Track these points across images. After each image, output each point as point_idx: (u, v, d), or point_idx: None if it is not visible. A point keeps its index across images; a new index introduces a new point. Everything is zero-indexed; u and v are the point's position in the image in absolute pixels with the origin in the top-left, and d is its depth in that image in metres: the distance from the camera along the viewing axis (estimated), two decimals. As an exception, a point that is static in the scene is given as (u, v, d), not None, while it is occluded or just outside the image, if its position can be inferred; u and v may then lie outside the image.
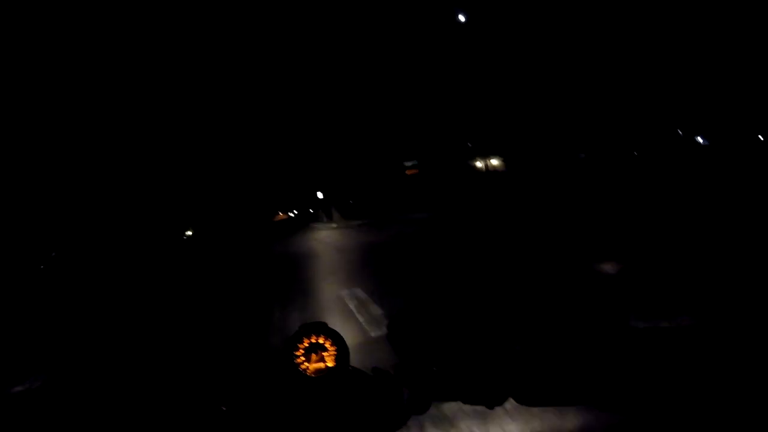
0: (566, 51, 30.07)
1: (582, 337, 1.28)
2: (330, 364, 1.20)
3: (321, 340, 1.22)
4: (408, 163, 34.17)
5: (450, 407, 1.38)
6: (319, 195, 45.40)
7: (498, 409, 1.15)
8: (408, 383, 1.14)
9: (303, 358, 1.20)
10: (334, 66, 36.06)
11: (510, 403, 1.12)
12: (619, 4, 28.64)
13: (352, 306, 5.87)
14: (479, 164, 32.34)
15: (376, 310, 5.44)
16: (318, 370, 1.20)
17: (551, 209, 14.31)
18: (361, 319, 5.04)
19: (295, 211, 64.81)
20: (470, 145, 33.05)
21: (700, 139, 31.95)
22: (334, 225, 29.06)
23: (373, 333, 4.49)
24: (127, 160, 37.50)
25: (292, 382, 1.18)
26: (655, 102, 30.85)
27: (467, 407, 1.13)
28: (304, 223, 41.01)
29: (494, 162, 32.20)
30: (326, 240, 18.98)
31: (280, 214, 65.18)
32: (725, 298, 3.92)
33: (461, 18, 28.67)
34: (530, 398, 1.09)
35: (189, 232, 46.70)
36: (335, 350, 1.21)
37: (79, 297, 12.78)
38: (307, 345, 1.21)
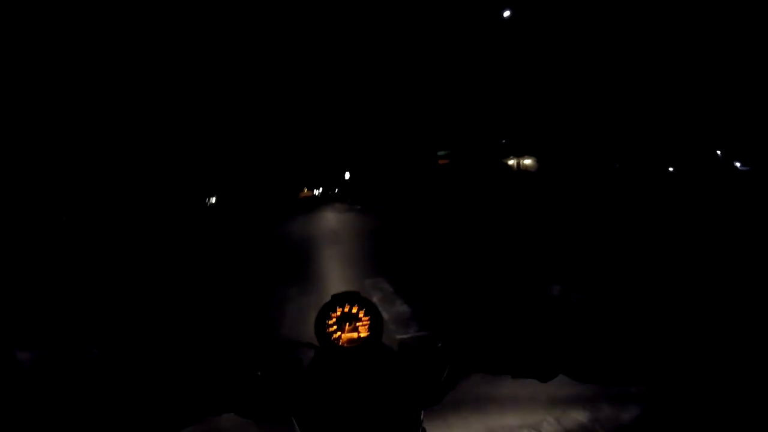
0: (620, 60, 29.55)
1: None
2: (363, 334, 1.18)
3: (354, 310, 1.20)
4: (441, 153, 33.40)
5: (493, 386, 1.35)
6: (347, 175, 44.94)
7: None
8: (447, 358, 1.10)
9: (336, 327, 1.18)
10: (382, 51, 35.54)
11: (516, 389, 1.18)
12: (678, 20, 28.05)
13: (375, 299, 5.29)
14: (511, 162, 31.65)
15: (404, 308, 4.87)
16: (351, 340, 1.18)
17: (579, 214, 14.23)
18: (386, 315, 4.49)
19: (321, 189, 64.98)
20: (504, 141, 32.50)
21: (738, 164, 30.91)
22: (359, 207, 28.44)
23: (399, 335, 3.99)
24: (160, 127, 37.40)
25: (325, 350, 1.15)
26: (700, 120, 30.27)
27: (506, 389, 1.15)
28: (328, 203, 40.42)
29: (527, 162, 31.44)
30: (350, 222, 18.64)
31: (306, 190, 65.20)
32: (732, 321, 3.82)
33: (506, 13, 28.18)
34: (581, 371, 1.08)
35: (213, 199, 46.56)
36: (369, 320, 1.19)
37: (101, 261, 12.37)
38: (339, 314, 1.20)
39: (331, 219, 21.07)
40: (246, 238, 15.98)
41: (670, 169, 31.27)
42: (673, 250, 7.21)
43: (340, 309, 1.22)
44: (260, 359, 1.15)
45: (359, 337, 1.20)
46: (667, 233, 9.11)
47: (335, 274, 7.14)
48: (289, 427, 1.09)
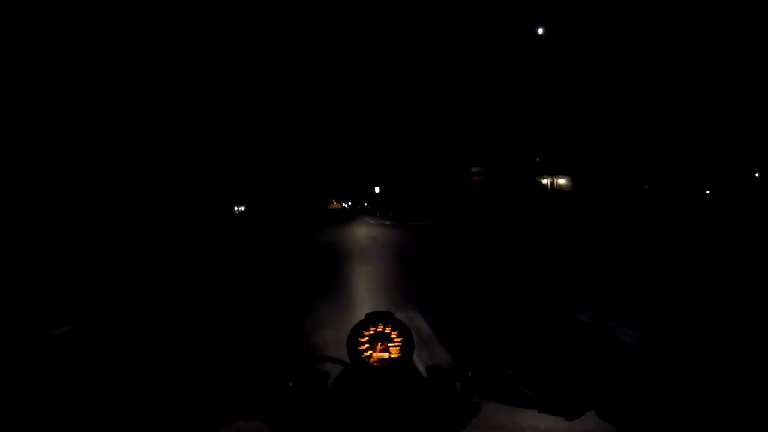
0: (654, 80, 28.87)
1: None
2: (394, 354, 1.18)
3: (387, 330, 1.20)
4: (475, 169, 32.74)
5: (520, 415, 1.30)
6: (377, 189, 44.30)
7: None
8: (475, 387, 1.11)
9: (367, 345, 1.19)
10: (418, 67, 35.13)
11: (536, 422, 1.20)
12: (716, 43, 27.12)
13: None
14: (545, 181, 30.81)
15: (443, 355, 4.12)
16: (381, 360, 1.18)
17: (612, 234, 14.05)
18: (419, 365, 3.86)
19: (350, 202, 64.44)
20: (538, 160, 32.01)
21: None
22: (388, 223, 27.76)
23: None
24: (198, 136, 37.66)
25: (355, 368, 1.17)
26: (738, 141, 29.39)
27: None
28: (357, 216, 39.86)
29: (561, 181, 30.56)
30: (379, 239, 17.98)
31: (334, 202, 64.70)
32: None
33: (540, 31, 27.63)
34: (612, 413, 1.06)
35: (242, 207, 46.56)
36: (401, 341, 1.19)
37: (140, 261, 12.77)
38: (372, 333, 1.20)
39: (359, 234, 20.60)
40: (271, 249, 15.67)
41: (707, 192, 30.33)
42: (710, 275, 7.28)
43: (374, 328, 1.21)
44: (292, 371, 1.14)
45: (390, 357, 1.18)
46: (700, 256, 9.14)
47: (360, 300, 6.74)
48: None
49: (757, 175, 30.52)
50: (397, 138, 36.33)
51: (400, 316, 1.22)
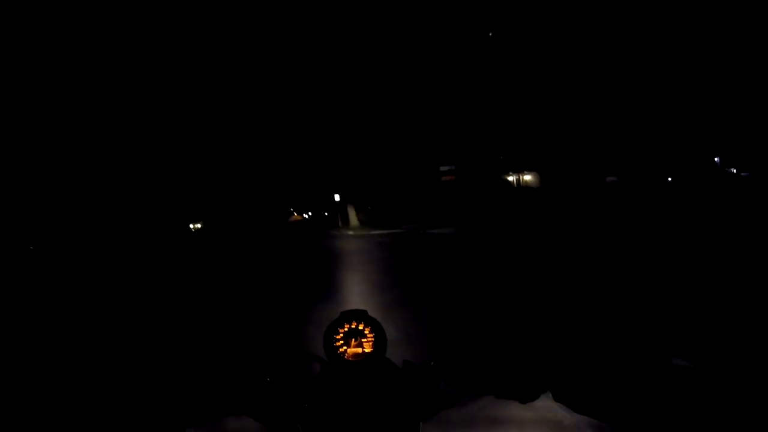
0: (615, 68, 28.90)
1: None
2: (368, 349, 1.25)
3: (361, 327, 1.26)
4: (444, 168, 31.52)
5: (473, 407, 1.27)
6: (336, 197, 42.99)
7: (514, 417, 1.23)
8: (443, 376, 1.17)
9: (342, 342, 1.25)
10: (371, 60, 33.74)
11: (523, 413, 1.19)
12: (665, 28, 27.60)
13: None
14: (511, 178, 30.35)
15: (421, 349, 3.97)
16: (356, 355, 1.24)
17: (580, 228, 14.27)
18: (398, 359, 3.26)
19: (310, 213, 63.12)
20: (502, 158, 31.50)
21: (734, 170, 30.21)
22: (351, 232, 26.72)
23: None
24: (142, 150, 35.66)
25: (331, 363, 1.23)
26: (698, 128, 29.92)
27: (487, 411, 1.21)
28: (320, 228, 38.28)
29: (527, 177, 30.18)
30: (343, 251, 16.96)
31: (295, 215, 63.54)
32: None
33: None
34: (567, 396, 1.11)
35: (198, 225, 44.76)
36: (373, 337, 1.26)
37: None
38: (347, 330, 1.26)
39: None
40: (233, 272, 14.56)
41: (669, 179, 30.72)
42: (675, 260, 7.45)
43: (348, 325, 1.27)
44: (270, 367, 1.18)
45: (363, 352, 1.25)
46: (667, 243, 9.24)
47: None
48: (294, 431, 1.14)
49: (717, 159, 30.94)
50: (358, 139, 34.45)
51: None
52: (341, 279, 10.22)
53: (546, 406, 1.17)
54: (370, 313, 1.32)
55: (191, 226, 43.73)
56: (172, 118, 37.75)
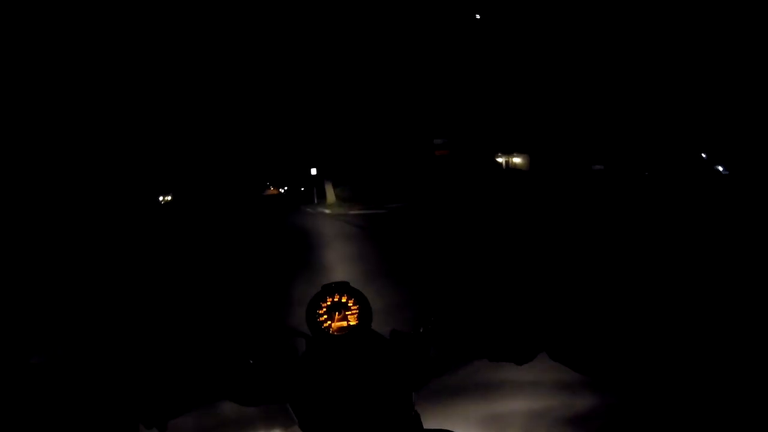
0: (611, 60, 28.24)
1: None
2: (353, 322, 1.23)
3: (344, 299, 1.25)
4: (438, 141, 29.37)
5: (464, 374, 1.26)
6: (313, 171, 41.25)
7: (507, 385, 1.31)
8: (433, 342, 1.14)
9: (326, 317, 1.23)
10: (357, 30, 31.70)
11: (518, 375, 1.18)
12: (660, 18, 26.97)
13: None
14: (500, 159, 29.27)
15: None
16: (341, 328, 1.22)
17: (564, 214, 13.84)
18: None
19: (286, 188, 61.65)
20: (493, 137, 30.16)
21: (720, 168, 29.72)
22: (327, 210, 25.33)
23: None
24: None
25: (316, 339, 1.20)
26: (686, 123, 29.34)
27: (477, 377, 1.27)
28: (294, 204, 36.62)
29: (517, 160, 29.19)
30: (319, 229, 15.75)
31: (271, 188, 62.06)
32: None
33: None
34: (562, 353, 1.11)
35: (168, 197, 42.76)
36: (357, 309, 1.24)
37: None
38: (329, 304, 1.24)
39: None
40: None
41: (646, 173, 30.27)
42: (655, 251, 7.25)
43: (330, 299, 1.25)
44: (252, 348, 1.14)
45: (349, 325, 1.23)
46: (647, 236, 8.99)
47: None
48: (284, 413, 1.14)
49: (704, 155, 30.45)
50: (340, 107, 31.99)
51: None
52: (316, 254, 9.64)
53: (543, 366, 1.15)
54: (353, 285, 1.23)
55: (161, 198, 41.64)
56: (143, 84, 35.86)
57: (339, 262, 8.96)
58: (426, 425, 1.14)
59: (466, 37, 29.21)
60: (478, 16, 27.66)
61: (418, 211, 18.76)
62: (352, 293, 1.26)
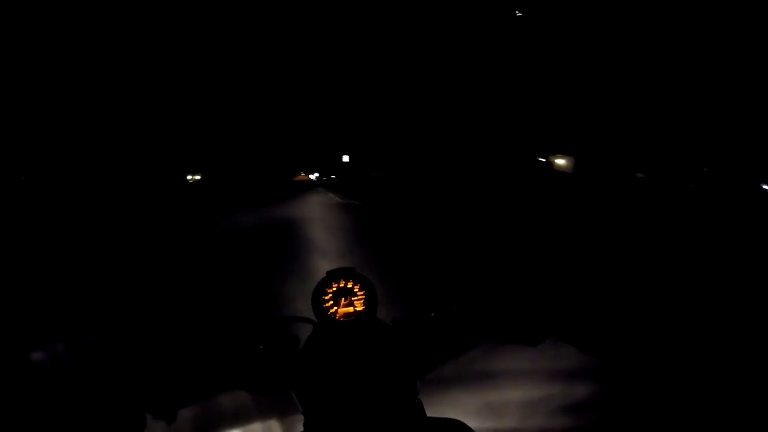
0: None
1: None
2: (359, 308, 1.23)
3: (350, 285, 1.25)
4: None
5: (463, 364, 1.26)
6: (345, 158, 40.17)
7: (507, 374, 1.33)
8: (441, 328, 1.16)
9: (332, 302, 1.23)
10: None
11: (517, 363, 1.30)
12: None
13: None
14: (546, 159, 28.14)
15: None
16: (347, 314, 1.22)
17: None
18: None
19: (317, 174, 61.57)
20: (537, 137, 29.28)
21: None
22: (356, 202, 23.95)
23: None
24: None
25: (322, 325, 1.20)
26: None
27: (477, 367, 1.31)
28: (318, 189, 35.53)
29: (560, 162, 27.68)
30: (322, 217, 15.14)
31: (302, 174, 62.17)
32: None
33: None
34: (571, 335, 1.20)
35: (197, 176, 42.30)
36: (363, 294, 1.24)
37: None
38: (335, 290, 1.24)
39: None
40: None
41: (691, 185, 28.46)
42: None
43: (336, 284, 1.25)
44: (261, 333, 1.16)
45: (355, 311, 1.23)
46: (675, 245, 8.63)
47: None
48: (288, 399, 1.14)
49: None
50: (378, 98, 30.82)
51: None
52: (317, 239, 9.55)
53: (551, 350, 1.20)
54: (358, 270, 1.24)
55: (188, 177, 41.22)
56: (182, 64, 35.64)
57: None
58: (427, 413, 1.15)
59: (512, 35, 28.60)
60: (519, 13, 26.23)
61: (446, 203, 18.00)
62: (358, 279, 1.25)
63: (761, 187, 26.81)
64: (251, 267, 7.19)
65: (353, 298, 1.23)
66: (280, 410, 1.51)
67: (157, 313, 4.91)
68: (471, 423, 1.18)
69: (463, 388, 1.64)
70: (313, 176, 61.88)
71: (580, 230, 9.35)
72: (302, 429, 1.12)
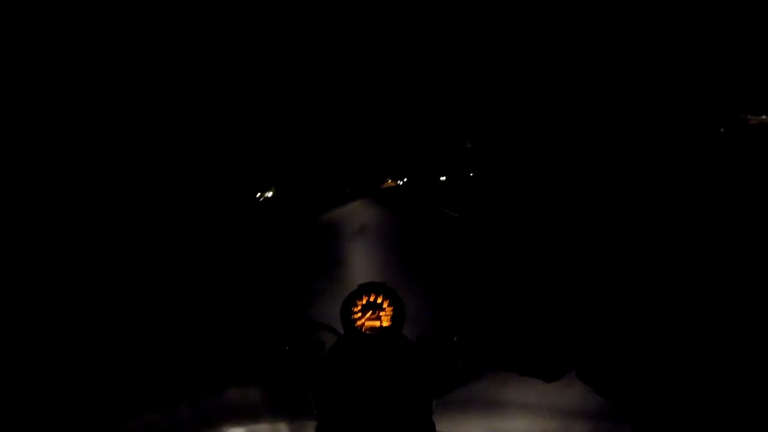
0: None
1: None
2: (385, 323, 1.25)
3: (379, 300, 1.26)
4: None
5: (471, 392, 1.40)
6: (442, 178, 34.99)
7: (509, 407, 1.30)
8: (463, 353, 1.18)
9: (360, 314, 1.25)
10: None
11: (525, 395, 1.27)
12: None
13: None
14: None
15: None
16: (373, 328, 1.24)
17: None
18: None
19: (406, 179, 59.43)
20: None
21: None
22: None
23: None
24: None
25: (347, 336, 1.23)
26: None
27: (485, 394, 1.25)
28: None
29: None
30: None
31: (389, 180, 62.05)
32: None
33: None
34: (592, 374, 1.14)
35: (269, 193, 38.22)
36: (392, 311, 1.25)
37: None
38: (365, 302, 1.26)
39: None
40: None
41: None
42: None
43: (366, 297, 1.26)
44: (288, 336, 1.20)
45: (381, 326, 1.24)
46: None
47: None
48: (300, 402, 1.17)
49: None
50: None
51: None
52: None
53: (569, 386, 1.20)
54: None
55: (258, 194, 37.08)
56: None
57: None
58: None
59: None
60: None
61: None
62: (388, 294, 1.26)
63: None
64: (297, 270, 7.54)
65: (381, 313, 1.24)
66: (290, 412, 1.43)
67: (187, 307, 5.31)
68: None
69: (474, 413, 1.51)
70: (401, 182, 58.32)
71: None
72: None
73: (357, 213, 22.37)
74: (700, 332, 3.33)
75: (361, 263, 7.70)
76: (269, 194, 38.44)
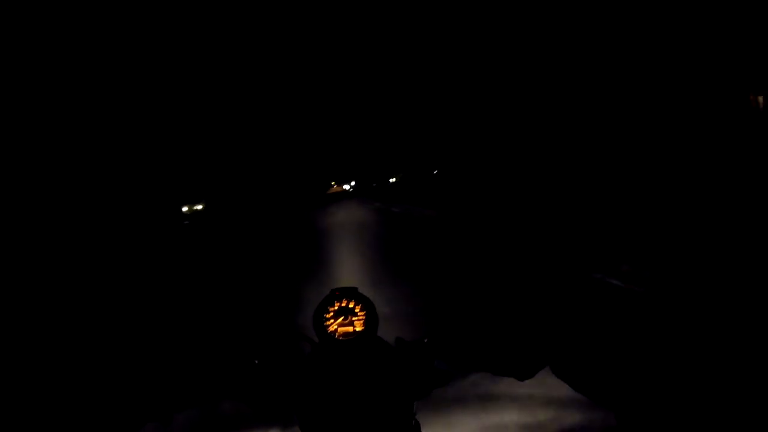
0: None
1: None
2: (359, 328, 1.24)
3: (351, 305, 1.26)
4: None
5: (459, 388, 1.42)
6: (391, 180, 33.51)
7: (501, 399, 1.30)
8: (437, 353, 1.18)
9: (332, 320, 1.24)
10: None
11: (515, 389, 1.28)
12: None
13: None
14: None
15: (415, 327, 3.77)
16: (346, 333, 1.23)
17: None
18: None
19: (353, 183, 59.10)
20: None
21: None
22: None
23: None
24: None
25: (321, 342, 1.24)
26: None
27: (473, 390, 1.25)
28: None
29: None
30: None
31: (335, 185, 61.26)
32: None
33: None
34: (564, 369, 1.19)
35: (198, 206, 34.53)
36: (364, 315, 1.25)
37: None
38: (337, 308, 1.25)
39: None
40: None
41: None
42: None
43: (338, 303, 1.25)
44: (258, 348, 1.19)
45: (354, 330, 1.23)
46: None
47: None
48: (285, 414, 1.19)
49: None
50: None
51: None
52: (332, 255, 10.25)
53: (544, 382, 1.22)
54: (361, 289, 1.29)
55: (184, 208, 33.22)
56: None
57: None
58: None
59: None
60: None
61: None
62: (360, 299, 1.25)
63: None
64: (267, 279, 7.66)
65: (353, 318, 1.22)
66: (274, 422, 1.45)
67: (161, 320, 5.36)
68: None
69: (460, 410, 1.57)
70: (347, 186, 56.30)
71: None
72: None
73: (327, 218, 22.05)
74: (684, 326, 3.39)
75: (336, 268, 7.97)
76: (198, 207, 34.82)
